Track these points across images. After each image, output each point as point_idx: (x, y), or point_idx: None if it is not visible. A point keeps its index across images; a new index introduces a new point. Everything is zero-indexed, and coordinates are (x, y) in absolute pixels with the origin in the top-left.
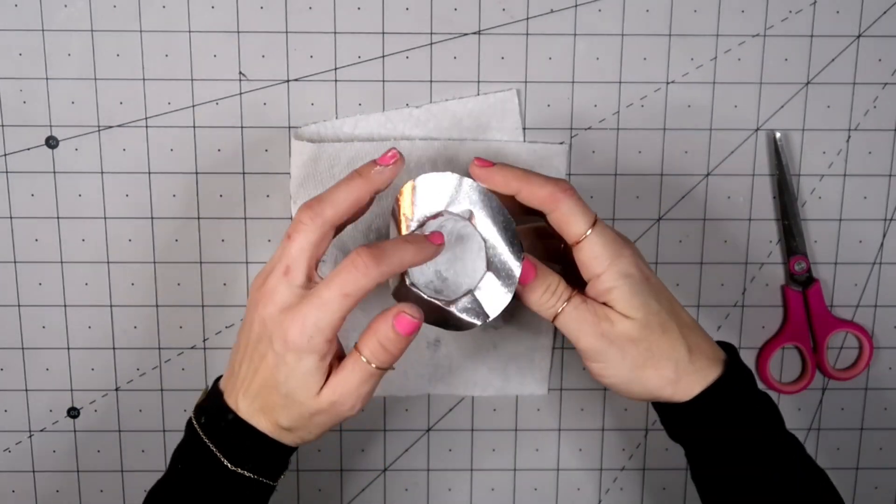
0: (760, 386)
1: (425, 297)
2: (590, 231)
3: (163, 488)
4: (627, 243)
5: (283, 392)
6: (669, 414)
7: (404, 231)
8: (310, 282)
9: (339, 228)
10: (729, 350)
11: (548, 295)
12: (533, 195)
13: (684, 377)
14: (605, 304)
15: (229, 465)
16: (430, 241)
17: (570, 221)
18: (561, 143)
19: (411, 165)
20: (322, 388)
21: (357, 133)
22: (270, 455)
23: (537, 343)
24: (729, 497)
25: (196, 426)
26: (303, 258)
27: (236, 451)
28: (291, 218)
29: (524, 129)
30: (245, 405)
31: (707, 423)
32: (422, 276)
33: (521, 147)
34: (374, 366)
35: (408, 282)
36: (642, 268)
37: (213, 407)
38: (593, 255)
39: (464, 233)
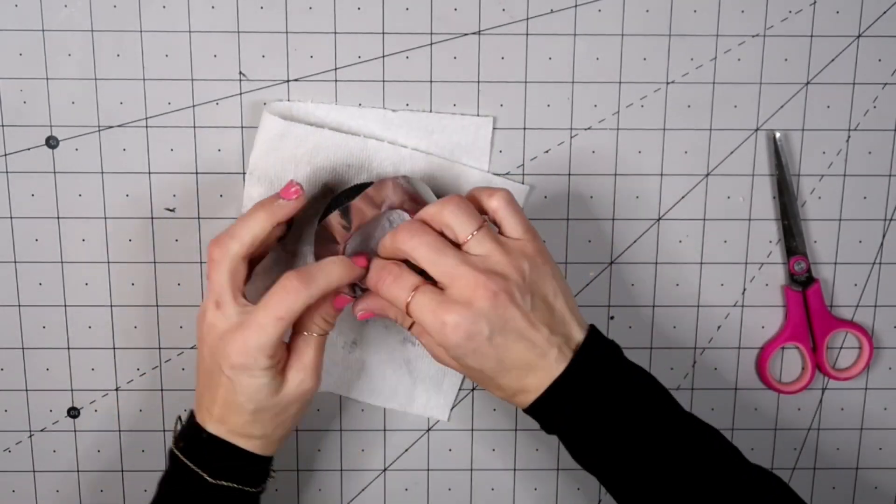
0: (759, 385)
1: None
2: (470, 236)
3: None
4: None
5: (249, 409)
6: (536, 411)
7: (340, 241)
8: (241, 307)
9: (256, 257)
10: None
11: (395, 288)
12: (459, 222)
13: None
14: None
15: (210, 479)
16: (354, 262)
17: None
18: (522, 185)
19: (374, 165)
20: (283, 384)
21: (328, 121)
22: (249, 465)
23: (450, 370)
24: (614, 464)
25: (176, 452)
26: (226, 291)
27: (215, 467)
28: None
29: (489, 159)
30: (218, 430)
31: (572, 408)
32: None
33: (483, 177)
34: (317, 336)
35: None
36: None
37: (188, 431)
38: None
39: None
